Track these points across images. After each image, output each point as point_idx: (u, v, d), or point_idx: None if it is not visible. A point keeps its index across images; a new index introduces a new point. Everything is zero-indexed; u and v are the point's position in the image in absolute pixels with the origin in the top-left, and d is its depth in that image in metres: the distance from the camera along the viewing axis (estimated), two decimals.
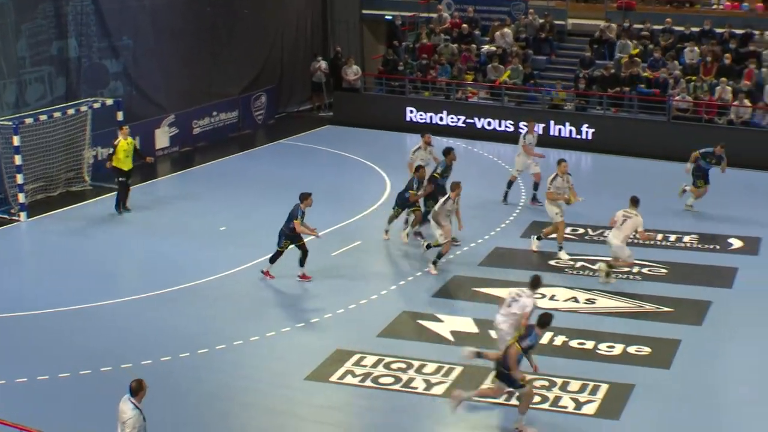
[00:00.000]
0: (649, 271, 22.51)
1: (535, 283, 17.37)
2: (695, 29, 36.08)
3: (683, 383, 17.44)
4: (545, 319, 15.86)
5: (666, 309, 20.48)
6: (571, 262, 22.91)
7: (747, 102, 32.68)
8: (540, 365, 17.43)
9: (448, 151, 24.65)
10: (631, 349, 18.59)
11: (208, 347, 18.48)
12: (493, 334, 18.36)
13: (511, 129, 34.46)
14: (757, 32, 35.19)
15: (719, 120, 32.89)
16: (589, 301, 20.90)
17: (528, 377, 15.88)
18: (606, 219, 22.54)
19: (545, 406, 16.45)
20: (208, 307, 20.58)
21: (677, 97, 33.35)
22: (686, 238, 24.74)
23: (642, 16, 37.47)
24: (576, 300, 20.93)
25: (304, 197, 21.47)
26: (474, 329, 19.46)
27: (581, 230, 24.98)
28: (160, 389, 13.75)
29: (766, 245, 24.29)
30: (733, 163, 29.55)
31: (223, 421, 16.13)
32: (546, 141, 31.30)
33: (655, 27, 36.71)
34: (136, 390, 13.14)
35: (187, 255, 23.43)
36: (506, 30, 37.99)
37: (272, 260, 21.83)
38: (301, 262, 21.74)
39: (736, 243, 24.43)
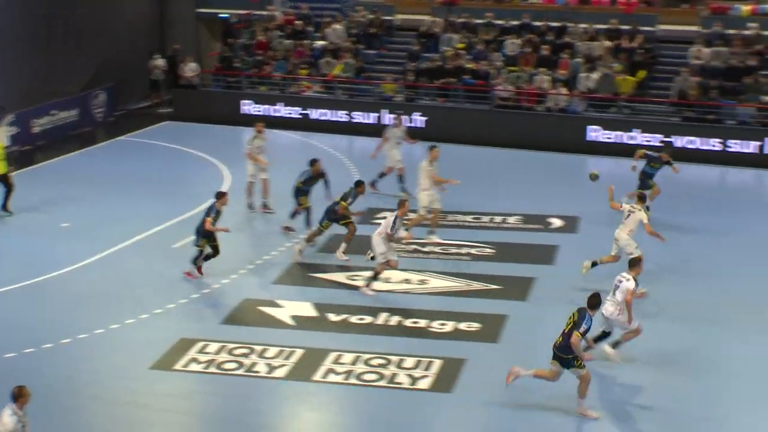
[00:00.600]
0: (477, 251, 22.84)
1: (633, 264, 17.48)
2: (515, 23, 36.76)
3: (511, 355, 17.72)
4: (594, 301, 15.84)
5: (493, 286, 20.80)
6: (419, 246, 23.11)
7: (564, 90, 33.47)
8: (376, 345, 17.64)
9: (313, 162, 23.75)
10: (462, 326, 18.84)
11: (53, 342, 17.97)
12: (332, 317, 18.42)
13: (345, 120, 34.68)
14: (571, 25, 36.05)
15: (538, 108, 33.61)
16: (422, 282, 21.09)
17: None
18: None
19: (382, 383, 16.53)
20: (53, 302, 20.04)
21: (499, 87, 33.94)
22: (511, 219, 25.19)
23: (465, 11, 37.95)
24: (409, 281, 21.10)
25: (220, 196, 21.07)
26: (313, 313, 19.44)
27: (413, 215, 25.15)
28: (5, 387, 13.30)
29: (584, 223, 24.90)
30: (552, 147, 30.34)
31: (69, 416, 15.68)
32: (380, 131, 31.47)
33: (478, 21, 37.26)
34: (17, 396, 12.71)
35: (30, 252, 22.78)
36: (337, 26, 38.06)
37: (193, 261, 21.22)
38: (206, 258, 21.21)
39: (557, 222, 25.01)
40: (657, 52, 35.07)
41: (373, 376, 16.67)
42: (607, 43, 34.75)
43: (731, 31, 34.41)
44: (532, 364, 17.29)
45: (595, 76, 33.50)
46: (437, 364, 17.19)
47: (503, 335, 18.54)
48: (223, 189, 22.84)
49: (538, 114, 33.44)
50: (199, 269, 21.11)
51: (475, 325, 18.87)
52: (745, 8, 35.49)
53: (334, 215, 22.15)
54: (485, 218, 25.04)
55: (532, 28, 36.36)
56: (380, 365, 17.08)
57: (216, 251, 21.15)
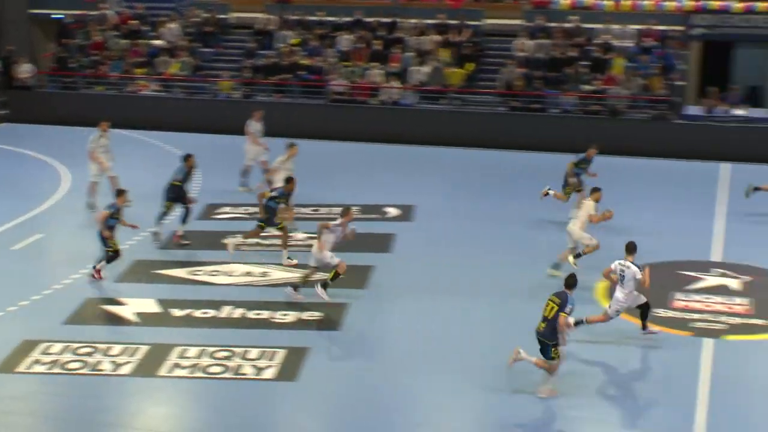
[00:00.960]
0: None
1: (630, 249, 17.27)
2: (348, 19, 36.92)
3: (352, 342, 17.85)
4: (571, 281, 15.63)
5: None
6: (260, 239, 22.99)
7: (396, 83, 33.81)
8: (220, 338, 17.50)
9: (186, 157, 23.01)
10: (305, 316, 18.82)
11: None
12: (176, 312, 18.20)
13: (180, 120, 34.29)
14: (401, 20, 36.41)
15: (373, 101, 33.87)
16: (264, 274, 21.02)
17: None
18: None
19: (228, 375, 16.37)
20: None
21: (334, 82, 34.06)
22: (336, 209, 25.28)
23: (299, 9, 37.92)
24: (251, 274, 20.99)
25: (119, 194, 20.52)
26: (157, 309, 19.13)
27: (252, 209, 25.08)
28: None
29: (418, 212, 25.20)
30: (384, 138, 30.63)
31: None
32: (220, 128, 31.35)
33: (311, 18, 37.28)
34: None
35: None
36: (173, 25, 37.57)
37: (106, 261, 20.48)
38: (109, 260, 20.50)
39: (393, 212, 25.25)
40: (484, 45, 35.75)
41: (219, 369, 16.51)
42: (437, 38, 35.23)
43: (553, 24, 35.31)
44: (373, 351, 17.53)
45: (425, 69, 33.95)
46: (281, 353, 17.12)
47: (344, 323, 18.60)
48: (122, 187, 22.09)
49: (372, 107, 33.72)
50: (98, 272, 20.51)
51: (316, 315, 18.88)
52: (565, 2, 36.44)
53: (271, 218, 21.44)
54: (324, 209, 25.08)
55: (364, 24, 36.60)
56: (225, 357, 16.93)
57: (116, 254, 20.58)
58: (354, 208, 24.87)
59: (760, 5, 34.48)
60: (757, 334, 18.14)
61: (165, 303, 19.31)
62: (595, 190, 20.83)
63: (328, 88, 34.04)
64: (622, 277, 17.14)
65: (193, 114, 34.40)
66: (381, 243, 22.95)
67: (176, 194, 22.62)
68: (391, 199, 26.00)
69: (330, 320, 18.67)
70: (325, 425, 15.36)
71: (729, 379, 16.32)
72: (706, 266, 21.37)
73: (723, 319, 18.73)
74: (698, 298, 19.77)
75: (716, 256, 21.95)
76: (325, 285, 19.16)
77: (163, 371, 16.50)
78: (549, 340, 15.41)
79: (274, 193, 21.46)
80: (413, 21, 36.36)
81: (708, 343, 17.64)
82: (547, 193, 23.86)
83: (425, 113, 33.31)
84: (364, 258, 21.80)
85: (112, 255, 20.42)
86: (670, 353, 17.33)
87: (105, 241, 20.28)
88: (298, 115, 33.61)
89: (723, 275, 20.89)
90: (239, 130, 27.61)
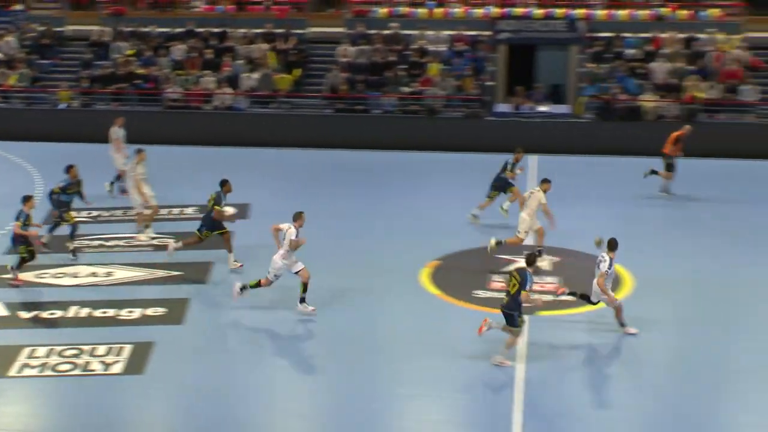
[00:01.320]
0: (158, 242, 22.65)
1: (611, 246, 17.24)
2: (180, 30, 36.53)
3: (196, 335, 17.82)
4: (530, 259, 16.28)
5: (176, 273, 20.73)
6: (103, 240, 22.64)
7: (228, 90, 33.68)
8: (68, 337, 17.22)
9: (69, 168, 21.77)
10: (149, 312, 18.66)
11: None
12: (23, 314, 17.75)
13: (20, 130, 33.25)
14: (231, 30, 36.26)
15: (206, 107, 33.67)
16: (108, 274, 20.71)
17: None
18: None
19: (77, 372, 16.13)
20: None
21: (169, 90, 33.70)
22: (188, 210, 25.17)
23: (133, 21, 37.32)
24: (96, 275, 20.65)
25: (27, 199, 19.73)
26: (4, 312, 18.61)
27: (95, 213, 24.66)
28: None
29: (253, 210, 25.21)
30: (219, 142, 30.44)
31: None
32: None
33: (145, 29, 36.73)
34: None
35: None
36: (10, 38, 36.46)
37: (16, 267, 19.78)
38: (20, 263, 19.78)
39: (230, 210, 25.05)
40: (309, 52, 35.92)
41: (68, 366, 16.26)
42: (265, 46, 35.22)
43: (373, 31, 35.72)
44: (215, 343, 17.54)
45: (255, 75, 33.93)
46: (128, 349, 16.95)
47: (187, 317, 18.53)
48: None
49: (206, 112, 33.53)
50: (17, 277, 19.82)
51: (160, 310, 18.75)
52: (383, 11, 36.93)
53: (211, 222, 20.82)
54: (164, 210, 24.82)
55: (195, 34, 36.28)
56: (73, 355, 16.66)
57: (32, 255, 19.87)
58: (191, 208, 24.85)
59: (559, 12, 35.73)
60: (565, 308, 18.86)
61: (12, 306, 18.85)
62: (545, 181, 21.43)
63: (163, 95, 33.65)
64: (598, 266, 17.35)
65: (32, 124, 33.44)
66: (220, 240, 22.80)
67: (58, 206, 21.69)
68: (227, 198, 25.80)
69: (173, 315, 18.57)
70: (173, 415, 15.33)
71: (544, 348, 17.02)
72: (520, 249, 22.06)
73: (536, 297, 19.38)
74: None
75: (529, 239, 22.65)
76: (302, 300, 18.47)
77: (12, 372, 16.14)
78: (513, 310, 16.18)
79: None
80: (242, 30, 36.24)
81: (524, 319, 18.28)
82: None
83: (257, 117, 33.32)
84: (205, 255, 21.71)
85: (28, 258, 19.87)
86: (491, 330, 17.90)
87: (26, 243, 19.72)
88: (136, 122, 32.96)
89: None
90: (79, 138, 27.06)
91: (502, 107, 34.06)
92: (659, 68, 33.03)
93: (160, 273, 20.75)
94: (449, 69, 33.87)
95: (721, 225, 24.61)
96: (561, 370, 16.43)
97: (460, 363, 16.49)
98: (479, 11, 36.40)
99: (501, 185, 24.15)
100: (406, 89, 33.42)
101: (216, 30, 36.37)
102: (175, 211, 25.15)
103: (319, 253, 20.31)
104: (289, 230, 18.22)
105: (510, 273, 16.56)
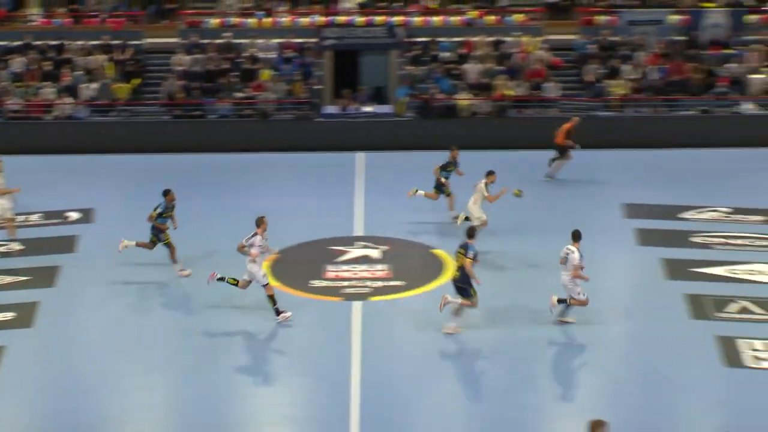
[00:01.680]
0: (6, 249, 22.07)
1: (576, 236, 17.10)
2: (18, 43, 35.45)
3: (46, 338, 17.52)
4: (471, 233, 16.92)
5: (23, 278, 20.28)
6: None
7: (68, 100, 32.93)
8: None
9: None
10: None
11: None
12: None
13: None
14: (68, 42, 35.41)
15: (47, 117, 32.84)
16: None
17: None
18: None
19: None
20: None
21: (10, 102, 32.72)
22: (33, 217, 24.55)
23: None
24: None
25: None
26: None
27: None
28: None
29: (99, 213, 24.77)
30: (61, 150, 29.81)
31: None
32: None
33: None
34: None
35: None
36: None
37: None
38: None
39: (74, 215, 24.70)
40: (146, 62, 35.42)
41: None
42: (102, 57, 34.54)
43: (206, 41, 35.46)
44: (65, 344, 17.29)
45: (94, 85, 33.28)
46: None
47: (36, 320, 18.18)
48: None
49: (48, 122, 32.70)
50: None
51: (9, 315, 18.34)
52: (215, 21, 36.69)
53: (155, 230, 19.90)
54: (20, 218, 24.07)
55: (33, 47, 35.25)
56: None
57: None
58: (37, 215, 24.28)
59: (378, 19, 36.31)
60: (395, 293, 19.36)
61: None
62: (490, 173, 21.54)
63: (4, 107, 32.62)
64: (566, 260, 17.16)
65: None
66: (65, 244, 22.45)
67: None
68: (72, 204, 25.36)
69: (22, 319, 18.18)
70: (29, 415, 15.06)
71: (376, 331, 17.51)
72: (350, 240, 22.44)
73: (368, 284, 19.83)
74: (346, 268, 20.79)
75: (358, 230, 23.08)
76: (277, 312, 17.80)
77: None
78: (464, 283, 16.63)
79: (159, 210, 19.89)
80: (80, 42, 35.41)
81: (357, 305, 18.69)
82: (416, 191, 23.24)
83: (97, 125, 32.67)
84: (51, 259, 21.31)
85: None
86: (327, 316, 18.25)
87: None
88: None
89: (365, 247, 22.02)
90: None
91: (330, 109, 34.40)
92: (471, 69, 34.01)
93: (9, 279, 20.28)
94: (279, 74, 34.00)
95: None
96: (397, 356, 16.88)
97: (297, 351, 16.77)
98: (305, 20, 36.62)
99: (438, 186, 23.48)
100: (240, 94, 33.38)
101: (53, 42, 35.42)
102: (20, 218, 24.45)
103: (160, 251, 20.21)
104: (254, 237, 17.59)
105: (456, 251, 17.00)
